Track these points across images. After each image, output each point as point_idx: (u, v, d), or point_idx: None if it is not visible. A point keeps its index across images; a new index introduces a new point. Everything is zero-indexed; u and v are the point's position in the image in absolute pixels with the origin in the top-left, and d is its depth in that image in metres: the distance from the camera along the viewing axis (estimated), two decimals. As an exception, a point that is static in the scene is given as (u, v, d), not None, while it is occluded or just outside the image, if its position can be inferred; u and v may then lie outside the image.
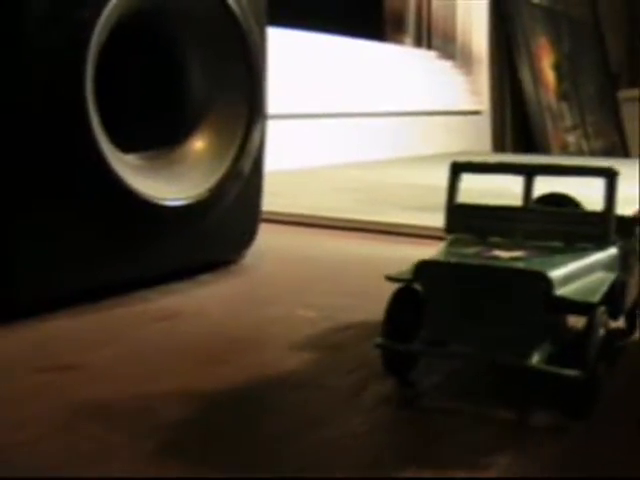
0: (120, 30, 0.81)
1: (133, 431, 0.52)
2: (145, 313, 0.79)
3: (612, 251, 0.62)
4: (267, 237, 1.07)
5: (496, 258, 0.58)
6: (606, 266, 0.61)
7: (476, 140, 3.21)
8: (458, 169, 0.66)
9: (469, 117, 3.18)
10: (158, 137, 0.90)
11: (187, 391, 0.59)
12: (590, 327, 0.54)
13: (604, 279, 0.59)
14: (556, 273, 0.54)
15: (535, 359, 0.54)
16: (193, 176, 0.90)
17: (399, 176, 2.06)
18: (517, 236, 0.63)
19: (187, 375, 0.63)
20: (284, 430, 0.53)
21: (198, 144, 0.92)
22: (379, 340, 0.58)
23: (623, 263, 0.64)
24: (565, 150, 3.48)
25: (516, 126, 3.42)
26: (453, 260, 0.59)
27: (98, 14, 0.76)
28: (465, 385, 0.61)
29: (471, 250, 0.61)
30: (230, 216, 0.96)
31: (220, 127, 0.93)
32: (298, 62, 2.21)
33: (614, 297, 0.61)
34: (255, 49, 0.95)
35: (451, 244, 0.64)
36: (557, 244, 0.62)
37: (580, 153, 3.58)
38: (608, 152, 3.83)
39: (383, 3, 3.27)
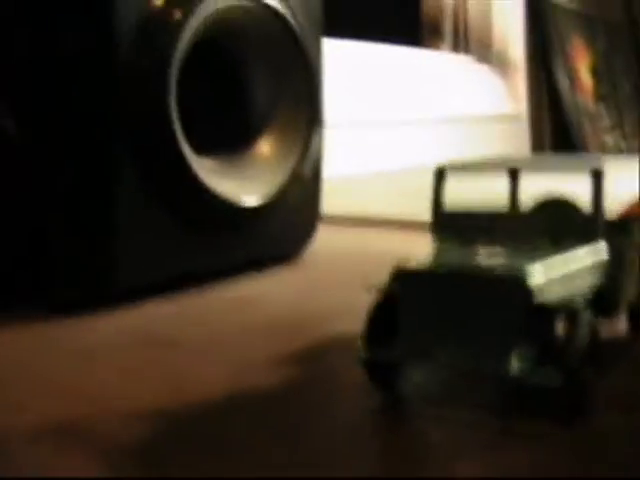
0: (196, 50, 0.91)
1: (232, 387, 0.62)
2: (224, 299, 0.89)
3: (601, 251, 0.61)
4: (327, 236, 1.16)
5: (477, 264, 0.57)
6: (594, 267, 0.60)
7: (514, 144, 3.28)
8: (443, 171, 0.65)
9: (507, 121, 3.25)
10: (228, 143, 1.00)
11: (273, 359, 0.69)
12: (572, 333, 0.53)
13: (590, 281, 0.58)
14: (536, 279, 0.53)
15: (515, 367, 0.52)
16: (260, 178, 1.00)
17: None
18: (503, 239, 0.62)
19: (266, 348, 0.73)
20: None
21: (263, 149, 1.02)
22: (359, 351, 0.58)
23: (619, 262, 0.63)
24: (603, 150, 3.53)
25: (554, 128, 3.47)
26: (429, 267, 0.57)
27: (178, 39, 0.87)
28: (447, 391, 0.62)
29: (453, 256, 0.60)
30: (293, 215, 1.06)
31: (283, 134, 1.03)
32: (344, 71, 2.30)
33: (604, 298, 0.60)
34: (313, 62, 1.05)
35: (436, 250, 0.63)
36: (545, 246, 0.61)
37: (619, 153, 3.62)
38: (647, 151, 3.86)
39: (420, 10, 3.35)
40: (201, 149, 0.92)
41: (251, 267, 1.00)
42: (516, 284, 0.53)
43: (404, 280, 0.57)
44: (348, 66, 2.30)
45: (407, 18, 3.25)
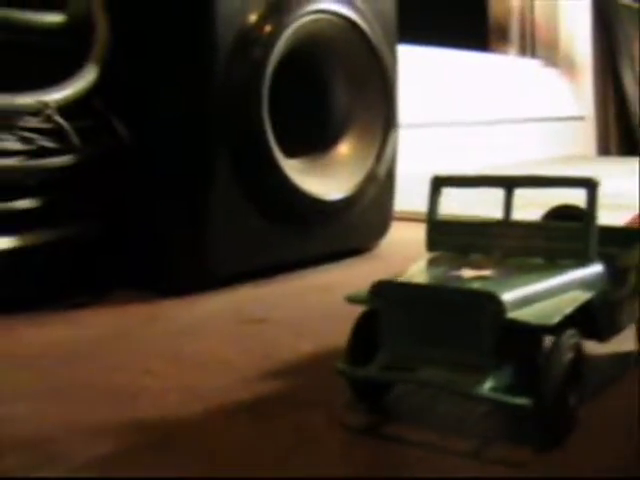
0: (284, 60, 1.01)
1: (315, 353, 0.72)
2: (308, 285, 1.00)
3: (594, 268, 0.58)
4: (400, 231, 1.26)
5: (458, 278, 0.55)
6: (585, 284, 0.56)
7: (581, 145, 3.31)
8: (439, 183, 0.64)
9: (574, 122, 3.29)
10: (312, 144, 1.10)
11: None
12: (549, 352, 0.50)
13: (575, 299, 0.54)
14: (511, 294, 0.51)
15: (486, 386, 0.50)
16: (340, 177, 1.10)
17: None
18: (496, 253, 0.60)
19: (344, 324, 0.82)
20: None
21: (343, 151, 1.12)
22: (340, 366, 0.57)
23: (620, 279, 0.60)
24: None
25: (620, 129, 3.49)
26: (403, 280, 0.56)
27: (270, 51, 0.97)
28: (425, 411, 0.59)
29: (438, 269, 0.59)
30: (368, 211, 1.15)
31: (360, 137, 1.13)
32: (417, 76, 2.38)
33: (593, 317, 0.57)
34: (388, 69, 1.15)
35: (426, 262, 0.62)
36: (537, 261, 0.59)
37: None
38: None
39: (487, 15, 3.41)
40: (288, 151, 1.02)
41: (331, 257, 1.10)
42: (487, 300, 0.50)
43: (382, 294, 0.55)
44: (420, 71, 2.38)
45: (475, 23, 3.30)
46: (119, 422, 0.59)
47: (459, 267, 0.57)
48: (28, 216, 0.90)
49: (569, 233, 0.58)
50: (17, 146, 0.89)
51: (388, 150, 1.14)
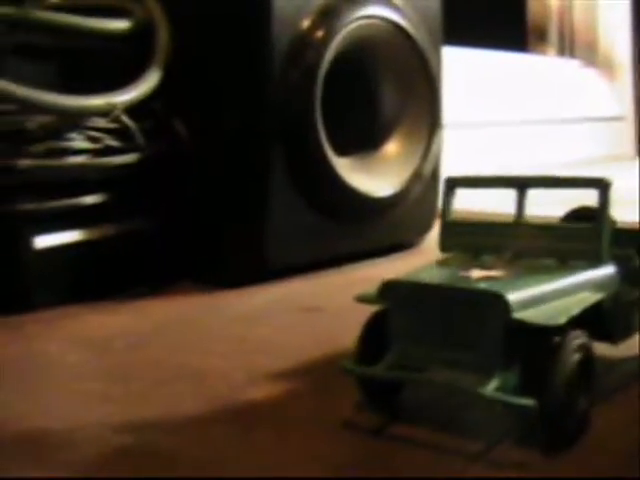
0: (335, 63, 1.06)
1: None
2: (358, 278, 1.04)
3: (606, 269, 0.57)
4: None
5: (466, 278, 0.55)
6: (596, 285, 0.56)
7: (620, 145, 3.31)
8: (452, 184, 0.64)
9: (614, 122, 3.30)
10: (361, 144, 1.15)
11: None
12: (554, 352, 0.49)
13: (584, 300, 0.53)
14: (518, 295, 0.50)
15: (491, 386, 0.49)
16: (387, 175, 1.14)
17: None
18: (508, 253, 0.60)
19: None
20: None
21: (390, 150, 1.16)
22: (347, 365, 0.56)
23: (636, 280, 0.59)
24: None
25: (660, 130, 3.48)
26: (410, 280, 0.56)
27: (322, 55, 1.02)
28: (434, 411, 0.60)
29: (447, 269, 0.58)
30: (414, 208, 1.20)
31: (407, 137, 1.17)
32: (460, 76, 2.42)
33: (605, 318, 0.56)
34: (433, 71, 1.19)
35: (438, 262, 0.62)
36: (548, 262, 0.59)
37: None
38: None
39: (525, 15, 3.43)
40: (339, 149, 1.07)
41: (379, 252, 1.15)
42: (493, 300, 0.50)
43: (389, 294, 0.55)
44: (463, 72, 2.41)
45: (513, 24, 3.32)
46: (192, 396, 0.64)
47: (469, 268, 0.57)
48: (94, 211, 0.96)
49: (581, 234, 0.58)
50: (85, 145, 0.95)
51: (433, 149, 1.19)
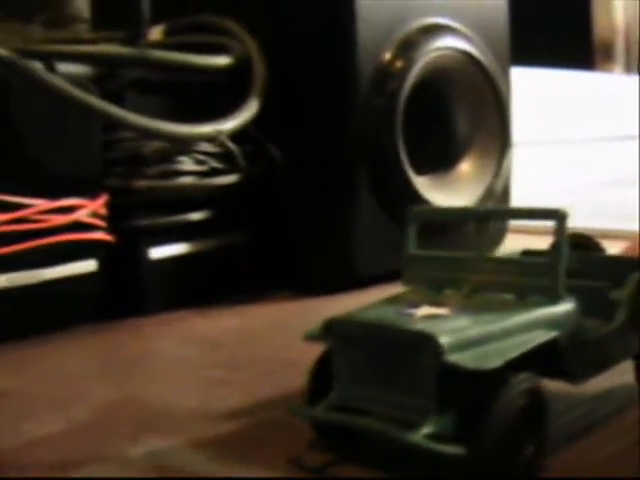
0: (413, 91, 1.17)
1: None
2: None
3: (564, 305, 0.54)
4: (513, 243, 1.38)
5: (409, 316, 0.52)
6: (551, 323, 0.53)
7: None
8: (415, 216, 0.63)
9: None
10: (437, 164, 1.25)
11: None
12: (489, 398, 0.46)
13: (528, 340, 0.50)
14: (454, 336, 0.48)
15: (424, 431, 0.46)
16: (462, 192, 1.24)
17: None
18: (467, 288, 0.57)
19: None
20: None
21: (464, 169, 1.26)
22: (293, 406, 0.56)
23: (609, 313, 0.57)
24: None
25: None
26: (348, 318, 0.54)
27: (403, 84, 1.13)
28: (383, 450, 0.56)
29: (394, 306, 0.56)
30: (486, 224, 1.29)
31: (479, 157, 1.27)
32: (528, 96, 2.49)
33: (560, 357, 0.52)
34: (502, 94, 1.28)
35: (390, 297, 0.60)
36: (507, 297, 0.56)
37: None
38: None
39: (591, 34, 3.48)
40: (418, 169, 1.17)
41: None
42: (425, 341, 0.48)
43: (330, 332, 0.54)
44: (531, 92, 2.49)
45: (579, 43, 3.37)
46: (300, 382, 0.75)
47: (419, 304, 0.55)
48: (201, 226, 1.09)
49: (538, 268, 0.55)
50: (193, 167, 1.07)
51: (504, 167, 1.28)
